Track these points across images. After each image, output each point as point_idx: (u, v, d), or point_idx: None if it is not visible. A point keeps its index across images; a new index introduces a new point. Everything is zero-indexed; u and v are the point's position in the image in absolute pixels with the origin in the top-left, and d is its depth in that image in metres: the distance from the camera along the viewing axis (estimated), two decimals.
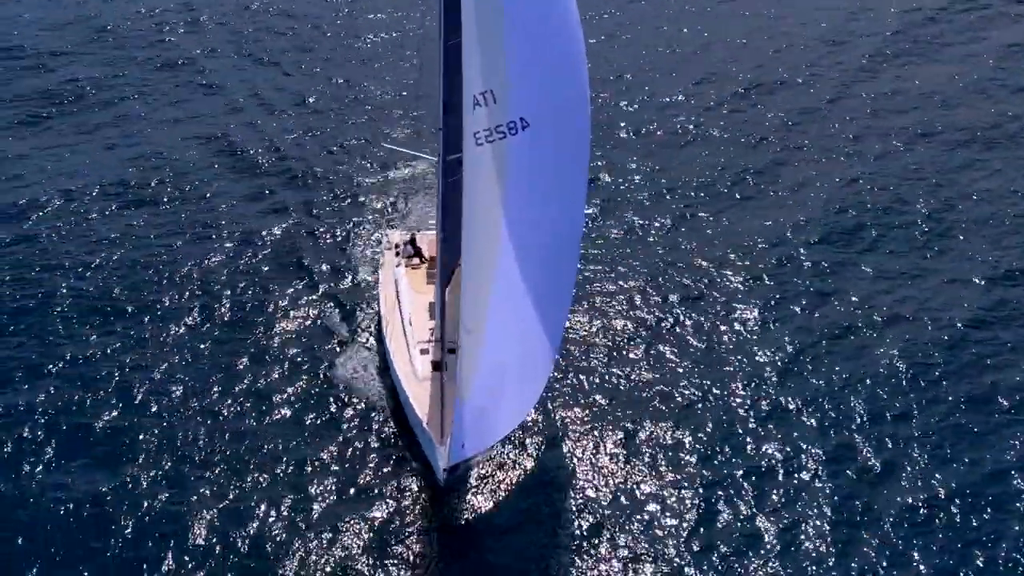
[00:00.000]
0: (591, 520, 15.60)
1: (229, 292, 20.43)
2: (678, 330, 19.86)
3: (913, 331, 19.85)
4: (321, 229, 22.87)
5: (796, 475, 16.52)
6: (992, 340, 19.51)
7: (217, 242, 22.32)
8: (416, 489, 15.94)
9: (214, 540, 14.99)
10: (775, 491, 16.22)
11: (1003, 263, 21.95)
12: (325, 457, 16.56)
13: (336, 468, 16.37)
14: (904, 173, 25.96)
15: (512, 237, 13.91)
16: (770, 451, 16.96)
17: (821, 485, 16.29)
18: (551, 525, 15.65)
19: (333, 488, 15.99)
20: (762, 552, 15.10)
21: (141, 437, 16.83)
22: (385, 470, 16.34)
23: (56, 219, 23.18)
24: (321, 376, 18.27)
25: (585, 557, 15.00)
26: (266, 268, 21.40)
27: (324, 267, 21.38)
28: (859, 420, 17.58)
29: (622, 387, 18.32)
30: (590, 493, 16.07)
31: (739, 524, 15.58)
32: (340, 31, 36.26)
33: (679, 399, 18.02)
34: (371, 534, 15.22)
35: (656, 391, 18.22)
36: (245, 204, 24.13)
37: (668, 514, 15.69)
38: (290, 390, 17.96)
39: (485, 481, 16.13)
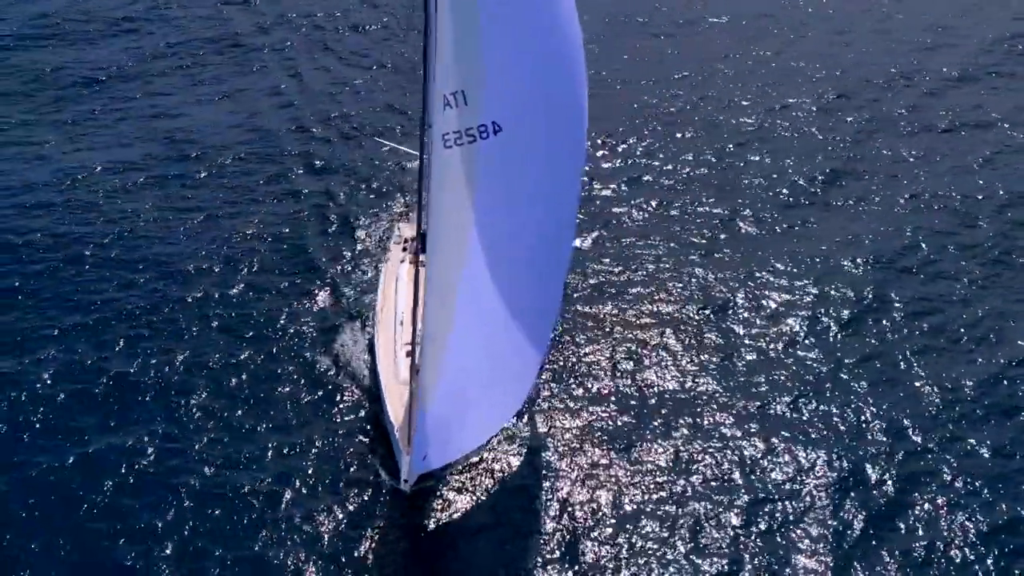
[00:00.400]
0: (570, 528, 15.06)
1: (233, 277, 20.34)
2: (691, 339, 18.99)
3: (949, 363, 18.48)
4: (333, 217, 22.63)
5: (793, 501, 15.65)
6: None
7: (231, 220, 22.28)
8: (388, 490, 15.57)
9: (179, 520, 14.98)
10: (769, 512, 15.45)
11: None
12: (303, 444, 16.36)
13: (311, 461, 16.12)
14: (972, 191, 24.27)
15: (482, 242, 13.33)
16: (771, 474, 16.13)
17: (818, 514, 15.37)
18: (527, 531, 15.12)
19: (306, 480, 15.76)
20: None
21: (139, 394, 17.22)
22: (362, 467, 16.01)
23: (76, 189, 23.47)
24: (316, 362, 18.07)
25: (560, 566, 14.52)
26: (276, 254, 21.23)
27: (334, 255, 21.15)
28: (874, 450, 16.53)
29: (618, 393, 17.62)
30: (574, 500, 15.53)
31: (726, 546, 14.92)
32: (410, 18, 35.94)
33: (687, 407, 17.26)
34: (337, 533, 14.93)
35: (677, 399, 17.49)
36: (265, 186, 24.07)
37: (655, 529, 15.09)
38: (280, 371, 17.84)
39: (462, 483, 15.69)
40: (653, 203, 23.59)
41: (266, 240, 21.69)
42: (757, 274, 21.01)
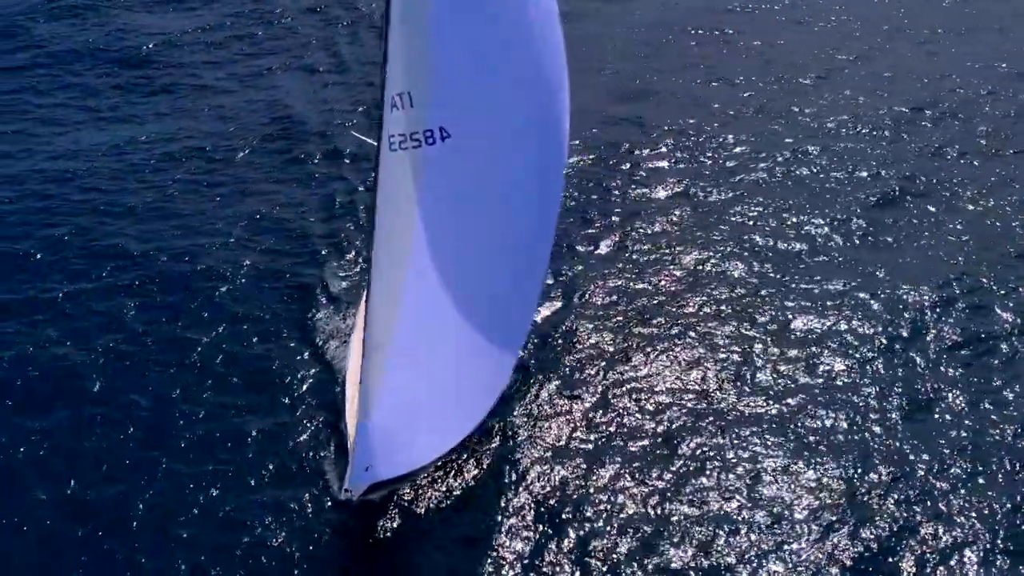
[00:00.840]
0: (541, 535, 14.48)
1: (238, 268, 20.19)
2: (703, 349, 18.14)
3: (981, 414, 17.00)
4: (342, 210, 22.35)
5: (794, 520, 14.75)
6: None
7: (243, 207, 22.28)
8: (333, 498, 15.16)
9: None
10: (766, 529, 14.65)
11: None
12: (265, 437, 16.05)
13: (272, 456, 15.77)
14: None
15: (429, 248, 12.74)
16: (764, 493, 15.29)
17: (819, 535, 14.49)
18: (493, 542, 14.44)
19: (263, 475, 15.46)
20: None
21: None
22: (319, 466, 15.65)
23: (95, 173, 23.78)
24: (298, 351, 17.84)
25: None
26: (284, 245, 21.07)
27: (339, 248, 20.88)
28: (895, 489, 15.40)
29: (607, 398, 16.90)
30: (547, 507, 14.92)
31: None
32: None
33: (693, 414, 16.36)
34: (290, 536, 14.56)
35: (674, 407, 16.78)
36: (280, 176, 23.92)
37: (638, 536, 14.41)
38: (272, 353, 17.73)
39: (423, 489, 15.09)
40: (700, 207, 22.85)
41: (292, 221, 21.76)
42: (795, 286, 20.05)
